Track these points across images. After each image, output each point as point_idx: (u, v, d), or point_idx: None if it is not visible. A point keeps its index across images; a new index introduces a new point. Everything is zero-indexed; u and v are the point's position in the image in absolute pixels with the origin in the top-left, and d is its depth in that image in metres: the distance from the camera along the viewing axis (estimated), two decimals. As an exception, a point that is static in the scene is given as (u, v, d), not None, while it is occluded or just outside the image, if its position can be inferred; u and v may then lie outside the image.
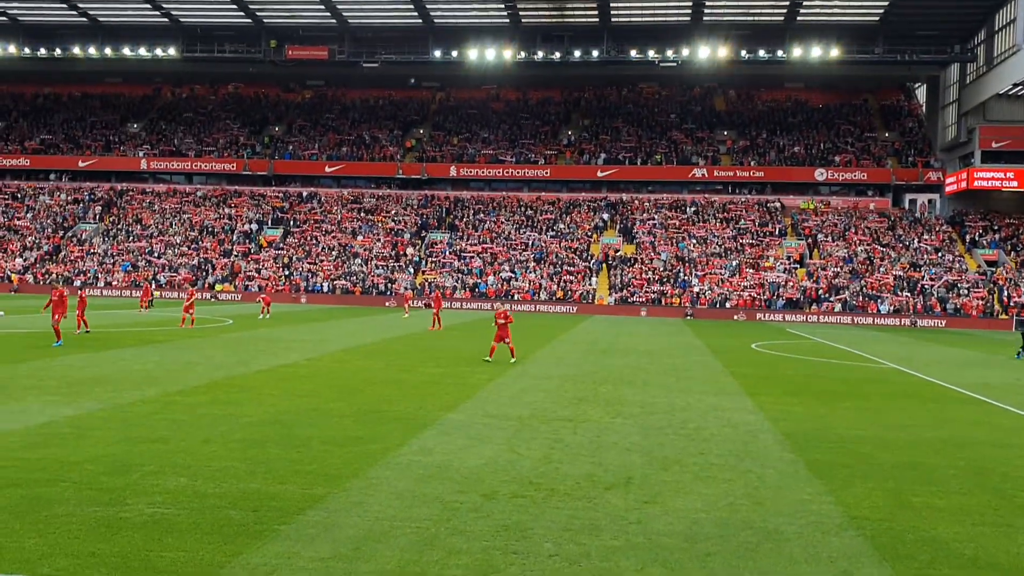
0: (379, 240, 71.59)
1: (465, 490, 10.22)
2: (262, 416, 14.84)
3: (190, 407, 15.55)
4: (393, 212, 75.44)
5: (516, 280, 65.89)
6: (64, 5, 72.39)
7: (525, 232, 72.09)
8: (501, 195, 77.36)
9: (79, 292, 32.87)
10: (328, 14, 72.12)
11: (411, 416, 15.34)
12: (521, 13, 70.60)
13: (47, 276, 65.51)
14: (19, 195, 78.82)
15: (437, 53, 73.87)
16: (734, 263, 66.58)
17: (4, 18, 75.44)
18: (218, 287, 65.63)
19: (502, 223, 73.44)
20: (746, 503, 10.09)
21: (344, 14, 72.26)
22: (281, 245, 71.54)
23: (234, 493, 9.75)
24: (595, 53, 72.50)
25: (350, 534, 8.43)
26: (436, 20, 72.60)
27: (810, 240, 69.88)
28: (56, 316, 25.89)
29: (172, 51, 75.44)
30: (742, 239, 69.83)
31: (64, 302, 26.23)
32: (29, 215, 76.13)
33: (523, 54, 73.11)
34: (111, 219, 75.61)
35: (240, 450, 12.03)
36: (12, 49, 75.81)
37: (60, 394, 16.50)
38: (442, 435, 13.64)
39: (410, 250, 70.24)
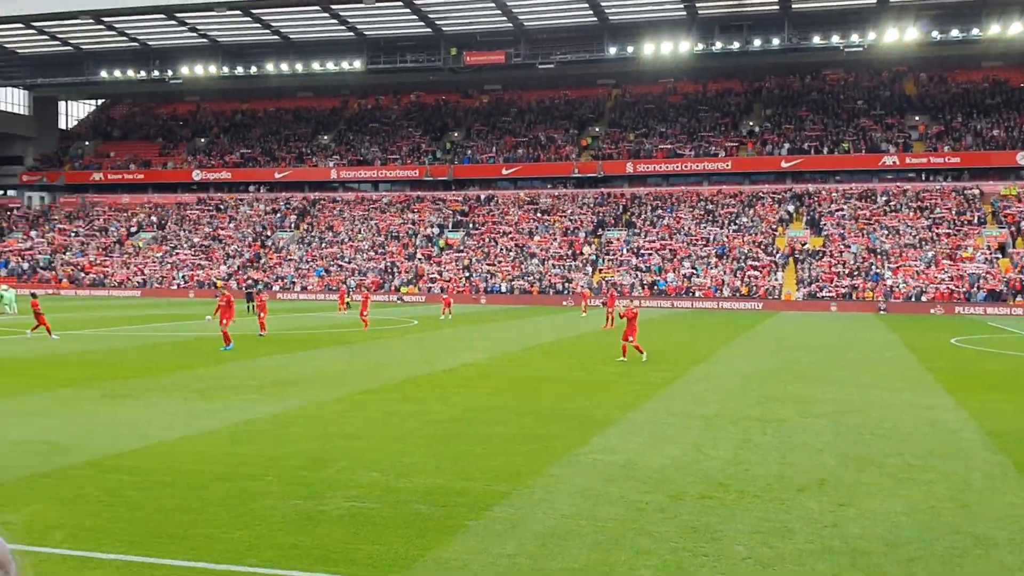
0: (555, 240, 72.06)
1: (651, 490, 10.10)
2: (448, 413, 15.21)
3: (380, 404, 16.13)
4: (569, 211, 75.75)
5: (697, 276, 64.76)
6: (259, 25, 76.76)
7: (706, 227, 70.78)
8: (680, 190, 76.26)
9: (258, 295, 34.20)
10: (505, 18, 73.23)
11: (591, 415, 15.33)
12: (698, 5, 69.38)
13: (247, 282, 69.48)
14: (222, 206, 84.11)
15: (612, 50, 73.69)
16: (930, 254, 63.00)
17: (205, 40, 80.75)
18: (403, 289, 67.82)
19: (681, 218, 72.40)
20: (950, 506, 9.51)
21: (520, 17, 73.19)
22: (461, 247, 73.20)
23: (424, 488, 10.02)
24: (776, 41, 70.37)
25: (536, 531, 8.49)
26: (611, 17, 72.43)
27: (1013, 228, 65.20)
28: (224, 321, 26.64)
29: (358, 64, 78.61)
30: (938, 229, 65.98)
31: (231, 307, 27.22)
32: (232, 225, 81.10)
33: (700, 46, 71.86)
34: (305, 227, 79.50)
35: (428, 446, 12.37)
36: (213, 69, 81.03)
37: (261, 393, 17.47)
38: (625, 434, 13.56)
39: (587, 249, 70.34)
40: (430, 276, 69.49)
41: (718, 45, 71.64)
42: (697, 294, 62.90)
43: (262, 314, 31.25)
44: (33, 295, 31.60)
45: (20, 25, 77.30)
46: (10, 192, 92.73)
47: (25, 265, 76.31)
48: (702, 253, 67.49)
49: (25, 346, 26.94)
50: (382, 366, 22.60)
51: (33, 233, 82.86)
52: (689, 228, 70.98)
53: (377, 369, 21.90)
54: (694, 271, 65.46)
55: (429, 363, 23.35)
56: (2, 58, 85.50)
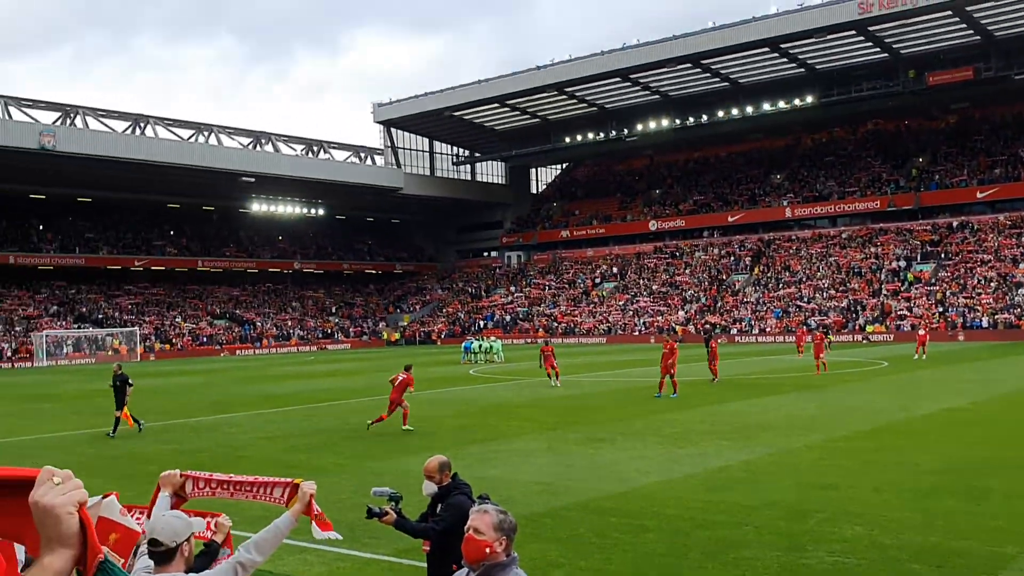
0: (1048, 267, 64.00)
1: None
2: (933, 464, 14.10)
3: (856, 453, 15.41)
4: (1063, 234, 66.99)
5: None
6: (708, 74, 78.46)
7: None
8: None
9: (713, 340, 33.02)
10: (971, 32, 67.45)
11: (1114, 469, 13.31)
12: None
13: (704, 326, 70.42)
14: (677, 253, 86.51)
15: (1105, 48, 64.46)
16: None
17: (657, 96, 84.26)
18: (869, 328, 64.40)
19: None
20: None
21: (989, 28, 66.93)
22: (933, 280, 67.88)
23: (913, 546, 9.37)
24: None
25: (1055, 603, 7.55)
26: (1102, 11, 63.55)
27: None
28: (665, 368, 26.30)
29: (810, 99, 76.96)
30: None
31: (674, 353, 26.77)
32: (687, 271, 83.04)
33: None
34: (760, 268, 78.97)
35: (914, 500, 11.56)
36: (665, 122, 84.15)
37: (731, 439, 17.54)
38: None
39: (1088, 275, 61.54)
40: (898, 313, 65.26)
41: None
42: None
43: (714, 361, 31.15)
44: (546, 343, 34.72)
45: (496, 105, 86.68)
46: (492, 253, 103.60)
47: (508, 318, 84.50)
48: None
49: (514, 391, 29.74)
50: (852, 411, 21.59)
51: (513, 288, 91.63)
52: None
53: (847, 415, 20.96)
54: None
55: (905, 408, 21.88)
56: (484, 136, 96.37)
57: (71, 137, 66.42)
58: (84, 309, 76.39)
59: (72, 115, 70.03)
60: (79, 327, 72.47)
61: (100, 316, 75.51)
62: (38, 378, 48.17)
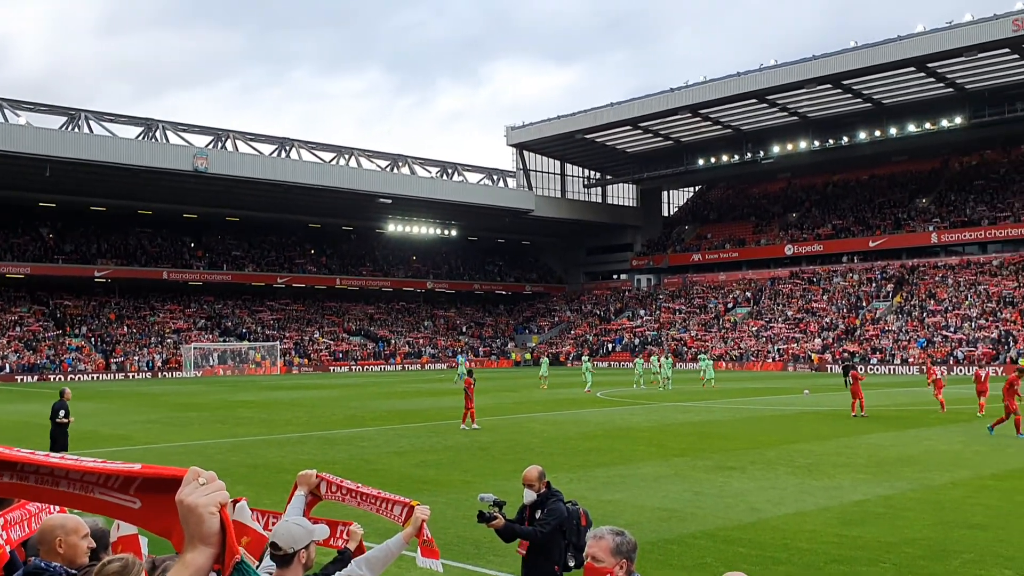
0: None
1: None
2: (1092, 508, 13.20)
3: (1006, 493, 14.58)
4: None
5: None
6: (849, 95, 76.11)
7: None
8: None
9: (853, 371, 30.84)
10: None
11: None
12: None
13: (842, 355, 68.06)
14: (814, 279, 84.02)
15: None
16: None
17: (795, 117, 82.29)
18: (1021, 361, 60.91)
19: None
20: None
21: None
22: (1094, 312, 63.77)
23: (1070, 595, 8.80)
24: None
25: None
26: None
27: None
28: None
29: (958, 120, 73.78)
30: None
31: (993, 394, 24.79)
32: (825, 297, 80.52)
33: None
34: (903, 296, 75.93)
35: (1071, 546, 10.84)
36: (803, 144, 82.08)
37: (869, 472, 16.88)
38: None
39: None
40: (1054, 346, 61.55)
41: None
42: None
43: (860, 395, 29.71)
44: (469, 372, 29.52)
45: (629, 127, 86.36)
46: (622, 276, 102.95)
47: (636, 341, 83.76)
48: None
49: (641, 416, 29.43)
50: (1003, 448, 20.43)
51: (642, 312, 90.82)
52: None
53: (997, 452, 19.86)
54: None
55: (1061, 447, 20.58)
56: (615, 158, 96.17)
57: (222, 159, 69.64)
58: (229, 323, 79.76)
59: (223, 139, 73.41)
60: (224, 340, 75.72)
61: (244, 331, 78.71)
62: (186, 388, 50.51)
